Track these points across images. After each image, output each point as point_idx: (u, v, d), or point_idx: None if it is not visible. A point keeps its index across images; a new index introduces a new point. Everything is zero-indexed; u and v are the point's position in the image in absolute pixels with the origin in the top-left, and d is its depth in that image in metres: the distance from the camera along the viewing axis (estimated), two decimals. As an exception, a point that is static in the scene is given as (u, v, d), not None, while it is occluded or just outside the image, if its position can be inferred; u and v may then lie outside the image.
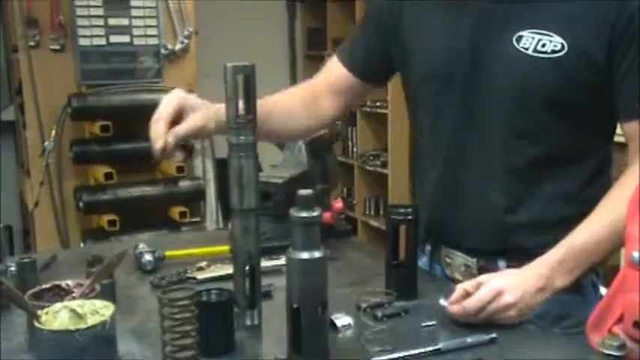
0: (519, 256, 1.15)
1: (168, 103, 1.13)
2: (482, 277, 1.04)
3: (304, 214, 0.85)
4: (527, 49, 1.10)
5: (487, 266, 1.19)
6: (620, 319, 0.81)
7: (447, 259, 1.25)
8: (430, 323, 1.01)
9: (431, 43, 1.22)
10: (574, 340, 1.08)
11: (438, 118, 1.23)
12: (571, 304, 1.17)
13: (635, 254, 0.77)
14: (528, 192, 1.16)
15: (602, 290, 1.25)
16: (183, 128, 1.12)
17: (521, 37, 1.10)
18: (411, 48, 1.26)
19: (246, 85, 0.96)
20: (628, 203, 0.78)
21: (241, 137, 0.98)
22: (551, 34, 1.08)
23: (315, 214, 0.85)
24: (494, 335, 0.94)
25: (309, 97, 1.39)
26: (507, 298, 1.00)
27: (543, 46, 1.09)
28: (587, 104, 1.13)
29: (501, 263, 1.18)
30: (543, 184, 1.15)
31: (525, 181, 1.15)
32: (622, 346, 0.78)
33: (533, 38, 1.09)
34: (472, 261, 1.20)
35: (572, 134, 1.14)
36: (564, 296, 1.16)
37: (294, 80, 4.71)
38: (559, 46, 1.08)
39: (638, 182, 0.90)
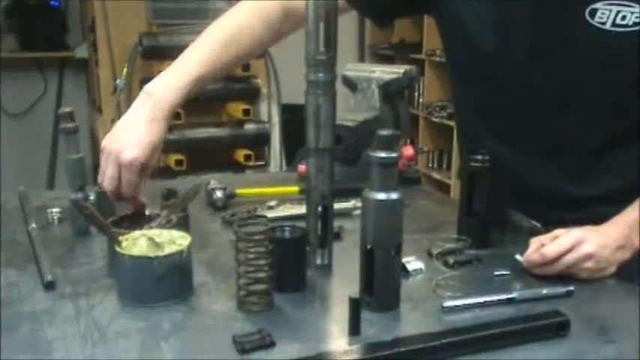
0: (592, 222, 1.11)
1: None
2: (559, 231, 1.00)
3: (383, 155, 0.83)
4: (604, 23, 0.98)
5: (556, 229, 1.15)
6: None
7: (514, 221, 1.21)
8: (503, 272, 0.99)
9: (479, 19, 1.09)
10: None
11: (489, 98, 1.14)
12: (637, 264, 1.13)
13: None
14: (600, 166, 1.09)
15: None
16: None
17: (595, 10, 0.98)
18: (452, 15, 1.13)
19: (327, 21, 0.94)
20: None
21: (320, 74, 0.96)
22: (632, 3, 0.96)
23: (394, 154, 0.84)
24: (571, 288, 0.92)
25: (268, 14, 1.22)
26: (587, 248, 0.95)
27: (623, 18, 0.97)
28: None
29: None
30: (615, 156, 1.09)
31: (598, 157, 1.09)
32: None
33: (610, 10, 0.97)
34: (540, 225, 1.15)
35: None
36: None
37: (361, 24, 4.61)
38: None
39: None
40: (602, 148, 1.08)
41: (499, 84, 1.12)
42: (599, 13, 0.98)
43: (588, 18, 0.99)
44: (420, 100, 4.39)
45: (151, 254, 0.89)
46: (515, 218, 1.20)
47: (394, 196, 0.85)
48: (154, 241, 0.93)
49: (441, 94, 4.31)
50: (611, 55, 1.00)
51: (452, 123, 4.08)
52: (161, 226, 1.00)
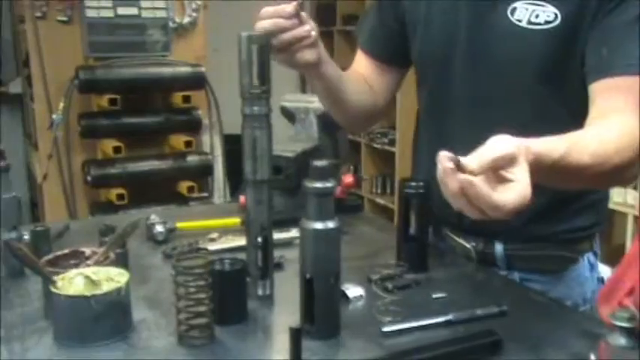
0: (517, 239, 1.16)
1: None
2: (513, 151, 0.78)
3: (319, 185, 0.85)
4: (520, 20, 1.06)
5: (485, 250, 1.19)
6: (630, 292, 0.81)
7: (448, 240, 1.25)
8: (441, 295, 1.02)
9: (429, 18, 1.18)
10: (581, 313, 1.09)
11: (436, 96, 1.21)
12: (569, 285, 1.17)
13: (649, 228, 0.77)
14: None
15: (603, 269, 1.25)
16: None
17: (515, 8, 1.07)
18: (411, 22, 1.22)
19: (260, 56, 0.96)
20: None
21: (255, 108, 0.97)
22: (545, 3, 1.05)
23: (329, 184, 0.86)
24: (504, 307, 0.95)
25: (362, 78, 1.31)
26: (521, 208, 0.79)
27: (537, 16, 1.05)
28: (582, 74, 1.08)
29: (499, 247, 1.18)
30: None
31: None
32: (632, 318, 0.78)
33: (527, 9, 1.06)
34: (470, 247, 1.20)
35: (569, 105, 1.09)
36: (562, 279, 1.17)
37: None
38: (552, 16, 1.04)
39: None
40: None
41: (443, 84, 1.17)
42: (517, 11, 1.07)
43: (509, 15, 1.07)
44: (362, 127, 4.46)
45: (88, 293, 0.87)
46: (451, 242, 1.23)
47: (331, 225, 0.86)
48: (90, 279, 0.91)
49: (382, 121, 4.41)
50: (525, 51, 1.07)
51: (393, 149, 4.17)
52: (98, 264, 0.98)
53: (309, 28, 1.04)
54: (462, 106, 1.16)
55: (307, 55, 1.06)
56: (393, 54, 1.29)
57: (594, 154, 0.89)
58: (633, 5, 0.99)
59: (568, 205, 1.16)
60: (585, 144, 0.90)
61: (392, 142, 4.19)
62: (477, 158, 0.78)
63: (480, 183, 0.75)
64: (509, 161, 0.78)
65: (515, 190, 0.77)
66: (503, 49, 1.09)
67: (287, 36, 1.03)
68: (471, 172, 0.76)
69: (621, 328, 0.78)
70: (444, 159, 0.76)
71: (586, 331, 0.90)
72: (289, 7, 1.02)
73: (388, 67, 1.30)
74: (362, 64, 1.31)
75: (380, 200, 4.38)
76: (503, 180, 0.78)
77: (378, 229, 1.42)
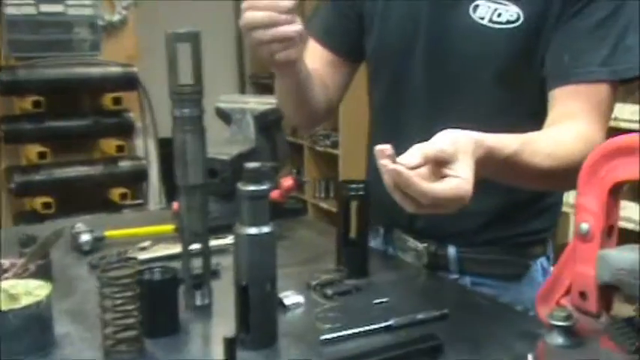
0: (471, 242, 1.15)
1: None
2: (454, 148, 0.78)
3: (252, 188, 0.82)
4: (482, 18, 1.05)
5: (437, 252, 1.17)
6: (567, 291, 0.81)
7: (400, 243, 1.24)
8: (382, 300, 1.00)
9: (387, 13, 1.16)
10: (524, 315, 1.09)
11: (393, 92, 1.19)
12: (521, 290, 1.17)
13: (584, 226, 0.77)
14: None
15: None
16: None
17: (477, 6, 1.06)
18: (368, 15, 1.20)
19: (192, 54, 0.91)
20: (579, 175, 0.78)
21: (185, 110, 0.92)
22: (508, 3, 1.04)
23: (263, 187, 0.82)
24: (445, 311, 0.94)
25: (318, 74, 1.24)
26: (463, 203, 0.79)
27: (499, 15, 1.04)
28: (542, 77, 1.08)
29: (451, 249, 1.17)
30: None
31: None
32: (569, 317, 0.79)
33: (489, 7, 1.05)
34: (422, 247, 1.18)
35: (529, 104, 1.09)
36: (514, 284, 1.16)
37: (240, 53, 4.61)
38: (515, 16, 1.03)
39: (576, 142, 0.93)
40: None
41: (401, 80, 1.15)
42: (479, 9, 1.06)
43: (472, 13, 1.06)
44: (302, 129, 4.42)
45: (5, 307, 0.81)
46: (403, 245, 1.21)
47: (265, 229, 0.83)
48: (8, 293, 0.85)
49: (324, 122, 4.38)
50: (487, 49, 1.06)
51: (336, 151, 4.15)
52: (17, 276, 0.92)
53: (300, 28, 0.98)
54: (420, 102, 1.14)
55: (291, 54, 1.00)
56: (350, 47, 1.25)
57: (549, 155, 0.91)
58: (596, 9, 1.00)
59: (524, 208, 1.15)
60: (540, 145, 0.91)
61: (335, 145, 4.16)
62: (416, 153, 0.78)
63: (407, 172, 0.75)
64: (450, 157, 0.78)
65: (449, 183, 0.77)
66: (465, 46, 1.08)
67: (273, 32, 0.96)
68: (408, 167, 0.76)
69: (559, 327, 0.78)
70: (379, 153, 0.75)
71: (528, 332, 0.89)
72: (288, 3, 0.95)
73: (343, 62, 1.27)
74: (316, 59, 1.25)
75: (323, 204, 4.34)
76: (444, 176, 0.78)
77: (318, 233, 1.39)
